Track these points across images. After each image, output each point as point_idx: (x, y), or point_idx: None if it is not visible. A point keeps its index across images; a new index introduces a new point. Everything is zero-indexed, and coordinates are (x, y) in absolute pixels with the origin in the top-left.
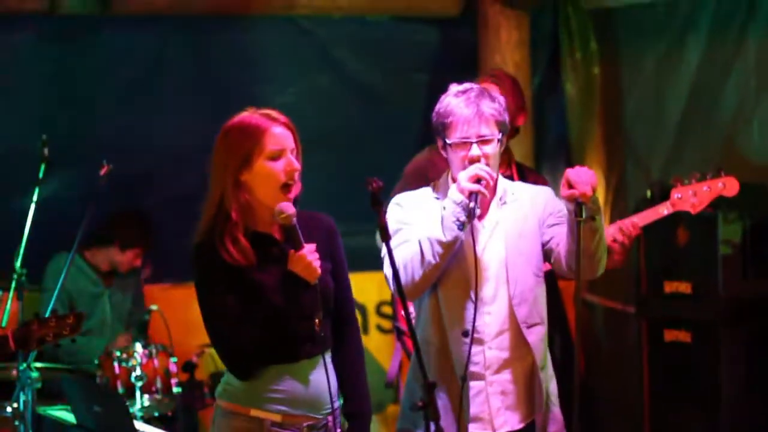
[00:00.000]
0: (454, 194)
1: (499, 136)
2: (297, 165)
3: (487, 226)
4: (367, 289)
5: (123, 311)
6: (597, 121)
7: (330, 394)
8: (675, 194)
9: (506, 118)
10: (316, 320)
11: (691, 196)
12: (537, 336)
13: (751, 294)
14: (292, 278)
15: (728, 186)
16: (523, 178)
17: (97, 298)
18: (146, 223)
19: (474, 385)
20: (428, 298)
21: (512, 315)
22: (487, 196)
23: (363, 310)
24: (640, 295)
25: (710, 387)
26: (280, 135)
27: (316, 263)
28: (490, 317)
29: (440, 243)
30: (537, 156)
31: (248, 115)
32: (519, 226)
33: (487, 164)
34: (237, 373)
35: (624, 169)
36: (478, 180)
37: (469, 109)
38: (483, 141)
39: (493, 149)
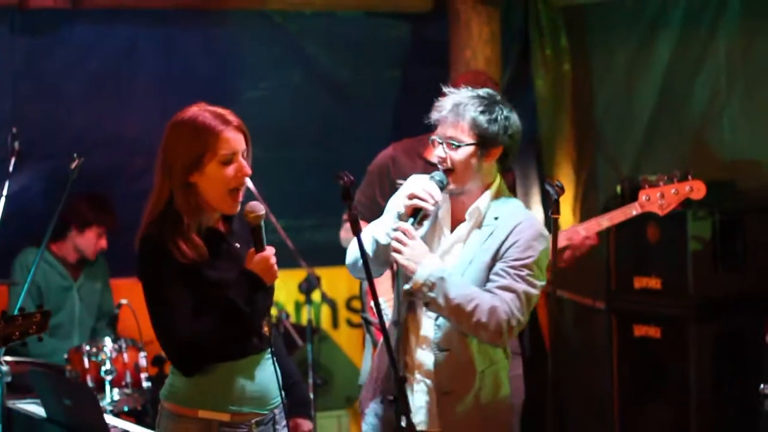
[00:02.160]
0: (399, 205)
1: (474, 144)
2: (248, 169)
3: (450, 239)
4: (337, 283)
5: (92, 304)
6: (567, 117)
7: (279, 387)
8: (643, 196)
9: (495, 130)
10: (265, 322)
11: (658, 198)
12: (443, 359)
13: (721, 290)
14: (249, 277)
15: (696, 189)
16: None
17: (66, 292)
18: (98, 199)
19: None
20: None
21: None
22: (428, 212)
23: (333, 304)
24: (609, 290)
25: (679, 382)
26: (232, 139)
27: (276, 266)
28: (427, 321)
29: (377, 243)
30: None
31: (200, 114)
32: (474, 255)
33: (452, 169)
34: (184, 368)
35: (594, 165)
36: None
37: (447, 107)
38: (450, 145)
39: (460, 156)
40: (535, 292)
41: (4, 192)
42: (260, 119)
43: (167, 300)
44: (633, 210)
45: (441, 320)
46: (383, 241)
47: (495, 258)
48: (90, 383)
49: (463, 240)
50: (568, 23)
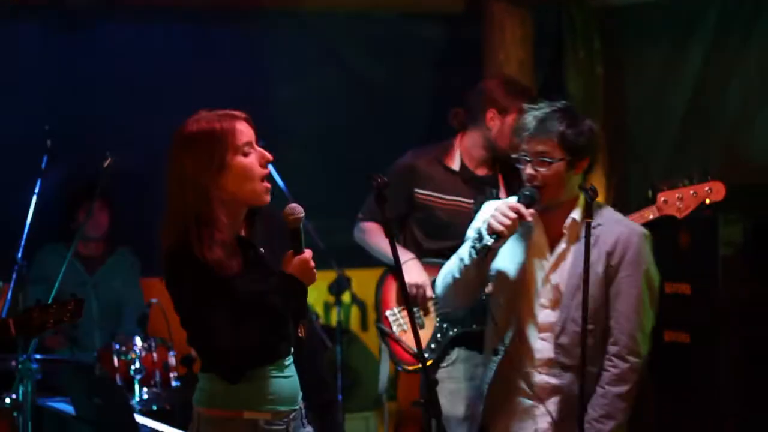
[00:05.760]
0: (483, 224)
1: (563, 158)
2: (268, 154)
3: (554, 256)
4: (367, 285)
5: (111, 303)
6: (599, 121)
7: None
8: (661, 198)
9: (580, 142)
10: (302, 324)
11: (677, 201)
12: (566, 380)
13: (751, 295)
14: (287, 279)
15: (715, 191)
16: (508, 180)
17: (80, 287)
18: (86, 185)
19: (528, 404)
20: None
21: (554, 351)
22: (506, 237)
23: (363, 306)
24: None
25: (709, 388)
26: (245, 130)
27: (314, 269)
28: (542, 344)
29: (462, 261)
30: None
31: (209, 119)
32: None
33: (542, 184)
34: (230, 377)
35: (625, 168)
36: (500, 224)
37: (532, 124)
38: (541, 162)
39: (550, 170)
40: None
41: (36, 190)
42: (293, 120)
43: (206, 313)
44: (650, 213)
45: (562, 338)
46: (467, 260)
47: (607, 268)
48: (119, 382)
49: (568, 255)
50: (601, 26)
